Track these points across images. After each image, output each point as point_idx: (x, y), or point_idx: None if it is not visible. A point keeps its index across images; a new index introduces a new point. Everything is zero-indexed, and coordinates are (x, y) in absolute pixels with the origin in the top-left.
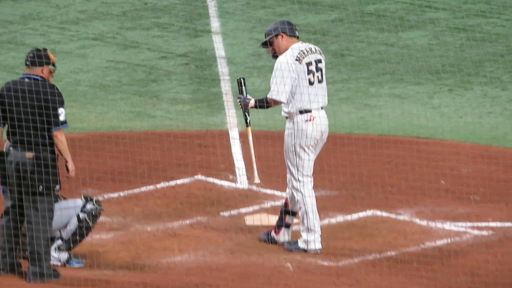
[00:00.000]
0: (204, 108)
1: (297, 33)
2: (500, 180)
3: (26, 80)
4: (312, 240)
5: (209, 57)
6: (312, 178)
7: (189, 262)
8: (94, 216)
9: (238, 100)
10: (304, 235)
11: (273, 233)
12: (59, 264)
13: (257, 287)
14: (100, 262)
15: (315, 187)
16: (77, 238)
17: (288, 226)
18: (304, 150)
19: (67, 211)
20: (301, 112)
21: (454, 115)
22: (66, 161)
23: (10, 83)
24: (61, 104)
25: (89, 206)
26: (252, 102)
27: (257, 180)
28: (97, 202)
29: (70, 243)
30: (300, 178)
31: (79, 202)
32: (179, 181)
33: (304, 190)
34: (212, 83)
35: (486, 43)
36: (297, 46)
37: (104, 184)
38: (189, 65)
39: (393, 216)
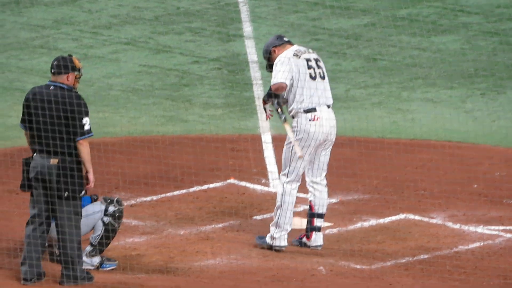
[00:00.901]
0: (237, 113)
1: (286, 39)
2: None
3: (52, 87)
4: (278, 237)
5: (241, 62)
6: (299, 179)
7: (222, 265)
8: (118, 217)
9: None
10: (272, 230)
11: (304, 239)
12: (92, 268)
13: None
14: (133, 266)
15: (347, 190)
16: (104, 241)
17: (318, 229)
18: (302, 150)
19: (92, 216)
20: (305, 111)
21: (487, 119)
22: (87, 171)
23: (36, 89)
24: (86, 114)
25: (111, 208)
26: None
27: (299, 153)
28: (118, 202)
29: (99, 247)
30: (288, 175)
31: (98, 207)
32: (211, 185)
33: (286, 188)
34: (245, 88)
35: None
36: (292, 48)
37: (137, 188)
38: (222, 70)
39: (425, 219)
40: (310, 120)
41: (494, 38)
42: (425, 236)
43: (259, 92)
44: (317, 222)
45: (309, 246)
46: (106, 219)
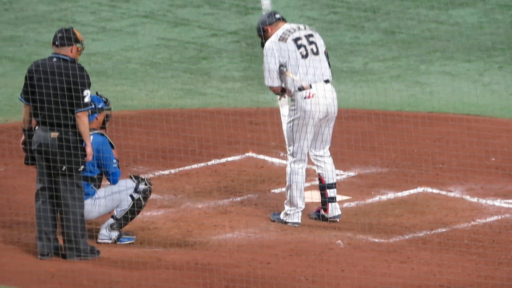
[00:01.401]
0: (255, 86)
1: (278, 16)
2: None
3: (55, 59)
4: (292, 214)
5: None
6: (306, 157)
7: (240, 239)
8: (146, 195)
9: None
10: (286, 207)
11: (322, 212)
12: (109, 241)
13: (308, 264)
14: (151, 239)
15: (365, 164)
16: (129, 216)
17: (333, 199)
18: (301, 129)
19: (119, 193)
20: (299, 89)
21: (505, 93)
22: (85, 144)
23: (39, 62)
24: (87, 86)
25: (141, 186)
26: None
27: (291, 76)
28: (148, 181)
29: (122, 222)
30: (294, 154)
31: (131, 183)
32: (230, 159)
33: (294, 167)
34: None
35: None
36: (284, 27)
37: (155, 161)
38: (240, 43)
39: (443, 193)
40: (305, 97)
41: (511, 11)
42: (443, 210)
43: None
44: (330, 192)
45: (327, 219)
46: (136, 195)
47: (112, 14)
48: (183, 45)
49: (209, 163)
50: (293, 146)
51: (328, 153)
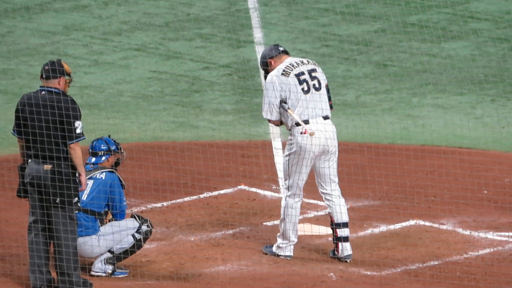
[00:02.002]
0: (247, 119)
1: (281, 49)
2: None
3: (43, 92)
4: (284, 247)
5: (252, 68)
6: (301, 191)
7: (232, 272)
8: (147, 237)
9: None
10: (279, 240)
11: (335, 252)
12: (103, 275)
13: None
14: (144, 272)
15: (357, 197)
16: (128, 255)
17: (344, 239)
18: (297, 163)
19: (125, 232)
20: (297, 124)
21: (497, 125)
22: (80, 175)
23: (28, 95)
24: (78, 117)
25: (144, 227)
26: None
27: (310, 131)
28: (150, 223)
29: (120, 258)
30: (289, 189)
31: (135, 223)
32: (222, 191)
33: (288, 201)
34: (255, 94)
35: None
36: (288, 61)
37: (147, 194)
38: (232, 76)
39: (436, 225)
40: (301, 133)
41: (504, 44)
42: (435, 242)
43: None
44: (340, 232)
45: (340, 258)
46: (138, 235)
47: (104, 47)
48: (175, 78)
49: (201, 195)
50: (289, 180)
51: (337, 192)
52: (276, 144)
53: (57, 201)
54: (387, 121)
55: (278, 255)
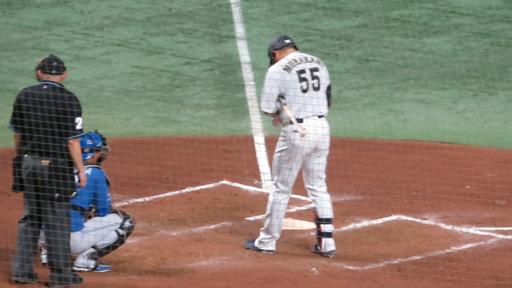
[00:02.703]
0: (229, 114)
1: (287, 42)
2: None
3: (45, 87)
4: (267, 242)
5: (233, 63)
6: (290, 189)
7: (214, 266)
8: (130, 232)
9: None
10: (262, 235)
11: (318, 247)
12: (86, 270)
13: None
14: (126, 267)
15: (339, 192)
16: (110, 250)
17: (327, 235)
18: (288, 160)
19: (108, 227)
20: (291, 122)
21: (479, 120)
22: (79, 171)
23: (28, 89)
24: (79, 114)
25: (127, 223)
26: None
27: (301, 131)
28: (133, 219)
29: (102, 253)
30: (278, 184)
31: (119, 219)
32: (204, 186)
33: (276, 197)
34: (237, 89)
35: (510, 48)
36: (292, 56)
37: (129, 189)
38: (214, 71)
39: (418, 220)
40: (295, 131)
41: (485, 39)
42: (417, 237)
43: (251, 93)
44: (324, 227)
45: (322, 253)
46: (121, 231)
47: (86, 42)
48: (157, 73)
49: (183, 191)
50: (278, 176)
51: (324, 189)
52: (258, 139)
53: (55, 197)
54: (369, 116)
55: (261, 250)
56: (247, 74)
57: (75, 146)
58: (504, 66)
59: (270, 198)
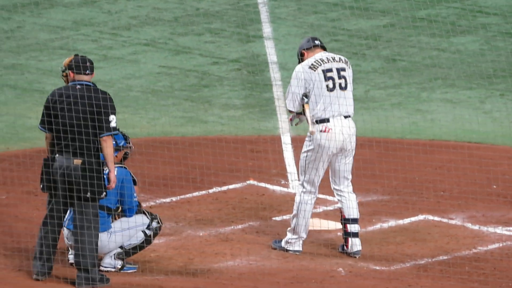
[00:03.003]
0: (256, 114)
1: (316, 43)
2: None
3: (79, 86)
4: (294, 242)
5: (261, 63)
6: (316, 189)
7: (241, 267)
8: (157, 233)
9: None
10: (288, 235)
11: (344, 247)
12: (112, 270)
13: None
14: (153, 267)
15: (366, 192)
16: (137, 250)
17: (354, 235)
18: (314, 161)
19: (135, 228)
20: (317, 121)
21: (506, 120)
22: (109, 171)
23: (61, 90)
24: (113, 112)
25: (154, 224)
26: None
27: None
28: (160, 219)
29: (129, 253)
30: (304, 185)
31: (146, 220)
32: (231, 186)
33: (303, 197)
34: (264, 89)
35: None
36: (319, 55)
37: (156, 189)
38: (241, 71)
39: (445, 220)
40: (321, 131)
41: None
42: (444, 237)
43: (278, 93)
44: (351, 228)
45: (349, 253)
46: (148, 232)
47: (114, 42)
48: (184, 73)
49: (210, 191)
50: (304, 176)
51: (350, 189)
52: (285, 139)
53: (87, 196)
54: (396, 116)
55: (287, 250)
56: (275, 74)
57: (108, 144)
58: None
59: (297, 198)
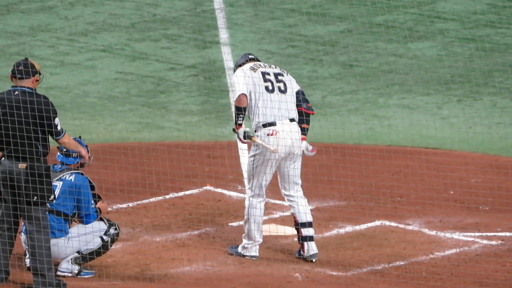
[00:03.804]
0: (213, 119)
1: (250, 56)
2: (509, 190)
3: (17, 92)
4: (250, 248)
5: (217, 68)
6: (264, 193)
7: (198, 272)
8: (114, 239)
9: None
10: (244, 241)
11: (301, 252)
12: (69, 275)
13: None
14: (109, 273)
15: (323, 197)
16: (95, 256)
17: (309, 238)
18: (261, 164)
19: (91, 234)
20: (264, 125)
21: (463, 126)
22: (80, 152)
23: (4, 94)
24: (56, 114)
25: (112, 230)
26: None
27: (273, 148)
28: (118, 226)
29: (86, 259)
30: (253, 189)
31: (103, 225)
32: (187, 192)
33: (252, 201)
34: (221, 94)
35: (495, 53)
36: (253, 62)
37: (113, 195)
38: (198, 76)
39: (402, 226)
40: (268, 134)
41: (470, 44)
42: (401, 243)
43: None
44: (305, 232)
45: (306, 258)
46: (105, 238)
47: (70, 48)
48: (141, 79)
49: (167, 196)
50: (253, 180)
51: (300, 193)
52: (242, 145)
53: (34, 200)
54: (353, 122)
55: (244, 256)
56: (231, 80)
57: (66, 143)
58: (488, 71)
59: (246, 203)
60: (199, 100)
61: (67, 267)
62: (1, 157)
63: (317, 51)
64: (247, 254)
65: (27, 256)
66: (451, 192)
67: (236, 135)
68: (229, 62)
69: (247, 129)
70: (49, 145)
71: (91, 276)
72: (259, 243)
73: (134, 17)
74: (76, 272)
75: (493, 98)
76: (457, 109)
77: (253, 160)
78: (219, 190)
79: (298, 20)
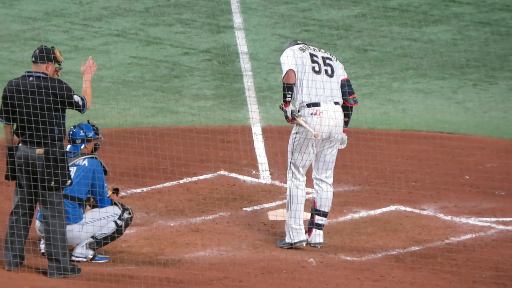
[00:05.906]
0: (227, 104)
1: (299, 42)
2: None
3: (31, 78)
4: (296, 234)
5: (231, 53)
6: (304, 176)
7: (212, 257)
8: (128, 224)
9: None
10: (287, 229)
11: (307, 236)
12: (84, 260)
13: (280, 282)
14: (124, 258)
15: (337, 182)
16: (109, 241)
17: (319, 226)
18: (303, 143)
19: (106, 218)
20: (308, 105)
21: (479, 110)
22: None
23: (12, 83)
24: (72, 91)
25: (125, 215)
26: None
27: (314, 132)
28: (132, 211)
29: (101, 244)
30: (293, 170)
31: (117, 210)
32: (202, 177)
33: (293, 183)
34: (235, 79)
35: (511, 37)
36: (303, 45)
37: (127, 179)
38: (212, 61)
39: (417, 211)
40: (312, 114)
41: (485, 28)
42: (416, 228)
43: (248, 83)
44: (318, 219)
45: (309, 243)
46: (119, 222)
47: (85, 33)
48: (155, 64)
49: (181, 181)
50: (292, 158)
51: (330, 180)
52: (256, 129)
53: (51, 185)
54: (367, 106)
55: (294, 243)
56: (245, 64)
57: (89, 102)
58: (504, 55)
59: (288, 184)
60: (213, 85)
61: (81, 252)
62: (18, 143)
63: (331, 35)
64: (296, 240)
65: (42, 241)
66: (467, 177)
67: (284, 113)
68: (242, 47)
69: (293, 108)
70: (64, 130)
71: (105, 261)
72: (302, 226)
73: (148, 2)
74: (91, 257)
75: (509, 83)
76: (473, 93)
77: (295, 137)
78: (233, 174)
79: (312, 5)
